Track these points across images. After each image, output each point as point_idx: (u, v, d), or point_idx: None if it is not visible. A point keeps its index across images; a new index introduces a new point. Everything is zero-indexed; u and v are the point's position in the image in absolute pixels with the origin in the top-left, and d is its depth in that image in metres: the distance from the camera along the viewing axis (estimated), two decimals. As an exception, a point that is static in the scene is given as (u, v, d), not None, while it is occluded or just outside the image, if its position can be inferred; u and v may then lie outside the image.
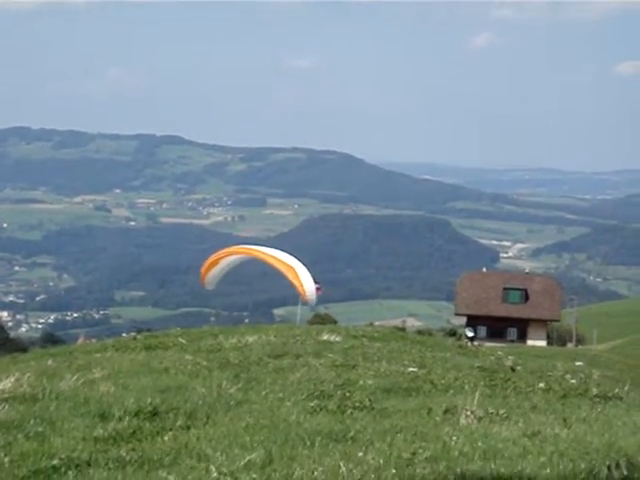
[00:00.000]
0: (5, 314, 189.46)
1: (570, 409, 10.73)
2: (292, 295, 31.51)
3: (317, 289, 31.62)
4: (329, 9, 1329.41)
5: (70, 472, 7.87)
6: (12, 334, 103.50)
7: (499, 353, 23.29)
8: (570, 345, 74.42)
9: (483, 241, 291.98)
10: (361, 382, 12.54)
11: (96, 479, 7.68)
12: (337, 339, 19.81)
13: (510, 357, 21.03)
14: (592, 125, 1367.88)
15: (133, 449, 8.56)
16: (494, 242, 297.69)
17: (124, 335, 31.49)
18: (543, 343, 71.41)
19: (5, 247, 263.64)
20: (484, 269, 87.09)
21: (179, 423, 9.69)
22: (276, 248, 34.20)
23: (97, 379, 12.97)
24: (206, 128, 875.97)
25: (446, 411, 10.00)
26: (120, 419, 9.81)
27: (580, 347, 71.91)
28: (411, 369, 14.40)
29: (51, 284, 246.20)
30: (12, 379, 11.90)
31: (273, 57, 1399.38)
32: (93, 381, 12.73)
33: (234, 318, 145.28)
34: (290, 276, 29.64)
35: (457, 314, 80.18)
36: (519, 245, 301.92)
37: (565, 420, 9.52)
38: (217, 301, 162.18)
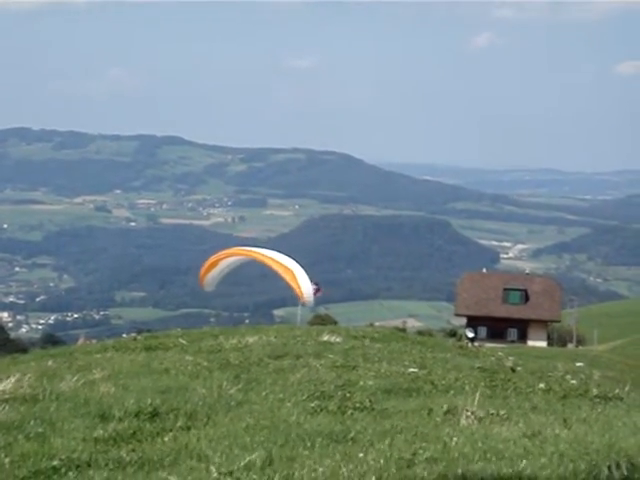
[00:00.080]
0: (5, 315, 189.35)
1: (570, 410, 10.72)
2: (292, 296, 31.51)
3: (317, 290, 31.61)
4: (329, 9, 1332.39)
5: (70, 473, 7.88)
6: (12, 335, 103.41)
7: (499, 354, 23.30)
8: (570, 346, 74.40)
9: (483, 242, 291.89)
10: (361, 383, 12.54)
11: (96, 480, 7.70)
12: (337, 340, 19.81)
13: (510, 358, 21.05)
14: (592, 125, 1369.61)
15: (133, 450, 8.57)
16: (494, 243, 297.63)
17: (124, 336, 31.47)
18: (543, 344, 71.38)
19: (5, 248, 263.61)
20: (484, 270, 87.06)
21: (179, 424, 9.70)
22: (276, 249, 34.23)
23: (97, 380, 12.97)
24: (206, 128, 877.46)
25: (447, 412, 10.00)
26: (120, 420, 9.82)
27: (580, 348, 71.87)
28: (411, 370, 14.40)
29: (51, 285, 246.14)
30: (12, 380, 11.90)
31: (273, 57, 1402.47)
32: (93, 382, 12.74)
33: (234, 319, 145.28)
34: (288, 278, 29.65)
35: (457, 315, 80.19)
36: (519, 246, 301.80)
37: (565, 421, 9.51)
38: (217, 302, 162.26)
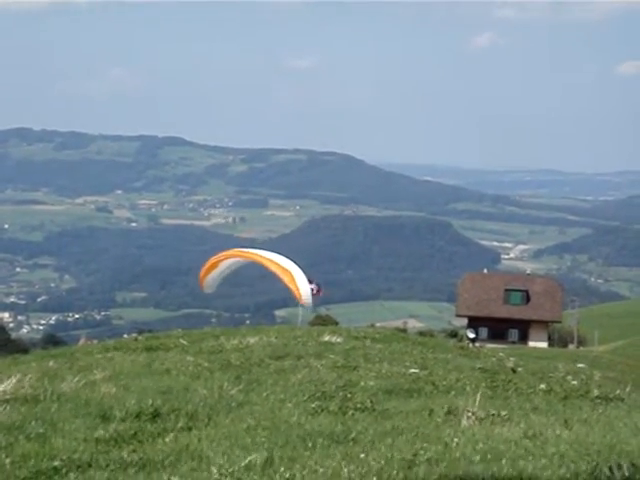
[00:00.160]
0: (6, 315, 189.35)
1: (571, 410, 10.72)
2: (293, 297, 31.50)
3: (318, 291, 31.61)
4: (329, 9, 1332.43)
5: (71, 473, 7.88)
6: (13, 335, 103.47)
7: (500, 354, 23.30)
8: (571, 346, 74.39)
9: (484, 242, 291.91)
10: (362, 383, 12.55)
11: (97, 480, 7.70)
12: (338, 340, 19.81)
13: (511, 358, 21.05)
14: (594, 126, 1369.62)
15: (134, 450, 8.57)
16: (495, 243, 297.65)
17: (125, 336, 31.48)
18: (544, 344, 71.35)
19: (7, 248, 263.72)
20: (485, 270, 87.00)
21: (180, 424, 9.70)
22: (277, 249, 34.22)
23: (98, 380, 12.98)
24: (207, 129, 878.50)
25: (447, 412, 9.99)
26: (121, 420, 9.82)
27: (581, 348, 71.85)
28: (412, 370, 14.41)
29: (52, 285, 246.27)
30: (13, 380, 11.90)
31: (273, 57, 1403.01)
32: (94, 382, 12.74)
33: (235, 319, 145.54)
34: (286, 280, 29.62)
35: (458, 315, 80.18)
36: (520, 246, 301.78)
37: (566, 421, 9.51)
38: (218, 302, 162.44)
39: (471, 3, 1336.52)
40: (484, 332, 70.70)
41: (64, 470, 7.95)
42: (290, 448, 8.39)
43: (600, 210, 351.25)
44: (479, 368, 15.84)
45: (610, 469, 7.12)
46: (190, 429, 9.55)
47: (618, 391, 12.65)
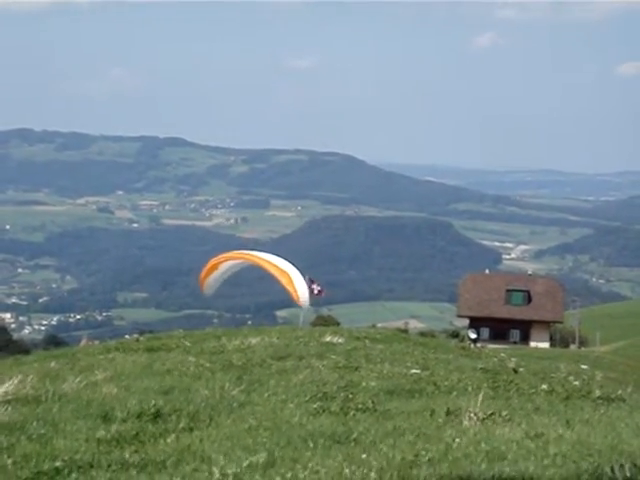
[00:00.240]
0: (8, 316, 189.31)
1: (573, 411, 10.71)
2: (291, 298, 31.51)
3: (319, 292, 31.62)
4: (329, 9, 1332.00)
5: (73, 474, 7.88)
6: (15, 336, 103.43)
7: (502, 355, 23.27)
8: (573, 347, 74.38)
9: (485, 243, 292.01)
10: (364, 384, 12.54)
11: (99, 481, 7.70)
12: (340, 341, 19.79)
13: (513, 359, 21.01)
14: (594, 126, 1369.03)
15: (136, 451, 8.57)
16: (496, 244, 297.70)
17: (127, 337, 31.43)
18: (546, 345, 71.37)
19: (8, 249, 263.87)
20: (487, 271, 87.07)
21: (182, 425, 9.70)
22: (279, 250, 34.30)
23: (100, 381, 12.98)
24: (208, 129, 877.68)
25: (449, 413, 9.99)
26: (123, 421, 9.82)
27: (583, 349, 71.85)
28: (414, 371, 14.40)
29: (54, 286, 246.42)
30: (15, 381, 11.91)
31: (273, 57, 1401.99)
32: (96, 383, 12.75)
33: (237, 320, 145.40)
34: (284, 281, 29.59)
35: (459, 316, 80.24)
36: (522, 247, 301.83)
37: (568, 422, 9.50)
38: (220, 303, 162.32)
39: (472, 3, 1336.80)
40: (485, 332, 70.73)
41: (66, 471, 7.95)
42: (292, 449, 8.38)
43: (601, 210, 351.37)
44: (480, 368, 15.83)
45: (612, 469, 7.12)
46: (192, 430, 9.55)
47: (620, 391, 12.64)
